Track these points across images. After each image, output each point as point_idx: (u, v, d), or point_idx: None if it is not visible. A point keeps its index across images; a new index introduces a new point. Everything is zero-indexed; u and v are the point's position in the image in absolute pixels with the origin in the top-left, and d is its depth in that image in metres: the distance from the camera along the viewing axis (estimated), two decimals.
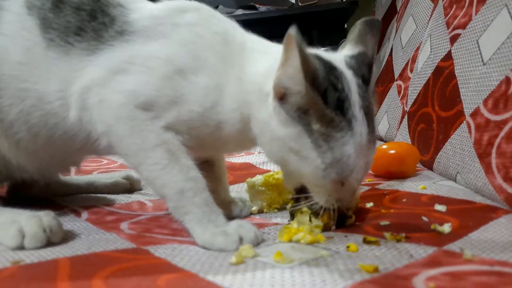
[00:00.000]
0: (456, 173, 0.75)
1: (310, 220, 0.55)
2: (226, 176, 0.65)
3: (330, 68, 0.47)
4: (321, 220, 0.53)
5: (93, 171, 0.97)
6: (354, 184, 0.49)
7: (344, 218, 0.53)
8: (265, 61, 0.52)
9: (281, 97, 0.47)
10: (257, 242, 0.49)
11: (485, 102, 0.69)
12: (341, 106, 0.46)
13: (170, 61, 0.51)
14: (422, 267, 0.39)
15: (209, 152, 0.60)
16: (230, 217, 0.58)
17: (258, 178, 0.67)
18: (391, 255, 0.43)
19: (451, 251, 0.43)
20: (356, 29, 0.54)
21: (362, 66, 0.50)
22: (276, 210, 0.65)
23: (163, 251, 0.46)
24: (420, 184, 0.73)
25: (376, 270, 0.38)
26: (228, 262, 0.42)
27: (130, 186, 0.78)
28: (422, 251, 0.43)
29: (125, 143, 0.51)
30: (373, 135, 0.49)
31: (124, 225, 0.57)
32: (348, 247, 0.45)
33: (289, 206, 0.58)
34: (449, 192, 0.67)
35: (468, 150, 0.71)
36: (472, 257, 0.40)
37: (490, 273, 0.36)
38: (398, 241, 0.47)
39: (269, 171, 0.74)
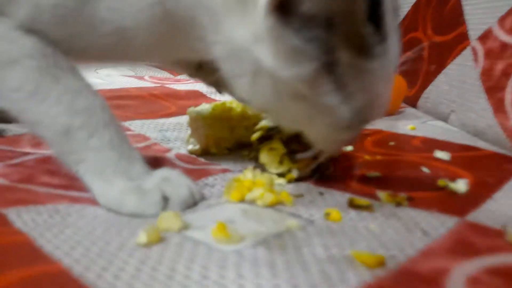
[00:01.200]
0: (450, 111, 0.61)
1: (280, 162, 0.39)
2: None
3: None
4: (298, 166, 0.38)
5: None
6: (365, 127, 0.35)
7: (323, 166, 0.38)
8: None
9: (281, 3, 0.27)
10: (193, 202, 0.32)
11: (501, 21, 0.53)
12: (374, 13, 0.28)
13: None
14: (448, 255, 0.24)
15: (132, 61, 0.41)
16: None
17: (204, 108, 0.48)
18: (394, 230, 0.28)
19: (481, 224, 0.29)
20: None
21: None
22: (226, 151, 0.48)
23: (31, 219, 0.28)
24: (407, 124, 0.59)
25: (380, 263, 0.23)
26: (133, 242, 0.25)
27: None
28: (438, 224, 0.28)
29: None
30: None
31: None
32: (327, 214, 0.30)
33: (254, 136, 0.41)
34: (444, 135, 0.53)
35: (471, 83, 0.56)
36: None
37: None
38: (398, 204, 0.32)
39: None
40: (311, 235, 0.27)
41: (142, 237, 0.25)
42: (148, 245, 0.25)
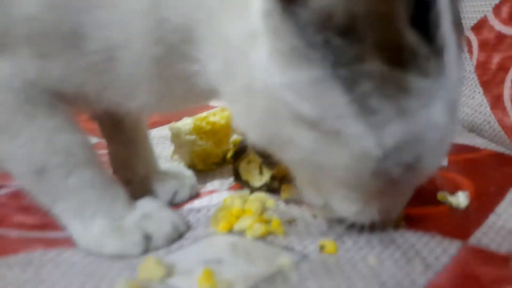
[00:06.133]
0: None
1: (261, 173, 0.38)
2: (147, 140, 0.40)
3: None
4: (277, 170, 0.37)
5: None
6: (424, 177, 0.27)
7: None
8: None
9: None
10: (179, 234, 0.30)
11: (496, 9, 0.50)
12: (426, 22, 0.22)
13: None
14: None
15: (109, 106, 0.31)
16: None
17: (186, 123, 0.46)
18: (393, 261, 0.26)
19: (485, 249, 0.27)
20: None
21: None
22: (214, 166, 0.46)
23: (1, 275, 0.26)
24: None
25: None
26: None
27: None
28: (440, 252, 0.26)
29: None
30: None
31: None
32: (322, 247, 0.28)
33: (229, 155, 0.40)
34: None
35: (466, 76, 0.54)
36: None
37: None
38: (397, 226, 0.30)
39: (211, 108, 0.51)
40: (305, 276, 0.25)
41: None
42: None
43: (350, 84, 0.22)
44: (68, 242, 0.30)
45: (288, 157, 0.26)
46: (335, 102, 0.22)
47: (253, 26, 0.23)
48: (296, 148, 0.25)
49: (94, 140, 0.38)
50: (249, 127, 0.27)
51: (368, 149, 0.23)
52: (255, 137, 0.27)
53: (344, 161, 0.24)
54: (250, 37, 0.23)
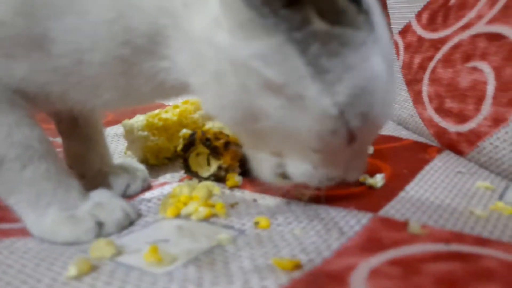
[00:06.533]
0: None
1: (208, 164, 0.41)
2: (102, 136, 0.42)
3: None
4: (223, 160, 0.40)
5: None
6: (373, 134, 0.30)
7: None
8: None
9: None
10: (129, 222, 0.33)
11: (418, 16, 0.57)
12: None
13: None
14: (358, 252, 0.27)
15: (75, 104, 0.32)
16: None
17: (139, 120, 0.48)
18: (315, 232, 0.30)
19: (390, 218, 0.32)
20: None
21: None
22: (166, 161, 0.49)
23: None
24: None
25: (297, 266, 0.26)
26: (65, 276, 0.26)
27: None
28: (354, 222, 0.32)
29: None
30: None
31: None
32: (257, 222, 0.32)
33: (179, 148, 0.42)
34: None
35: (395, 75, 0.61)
36: (420, 231, 0.30)
37: (448, 256, 0.27)
38: (317, 202, 0.35)
39: (165, 106, 0.53)
40: (240, 247, 0.29)
41: (72, 270, 0.26)
42: (79, 277, 0.26)
43: (303, 47, 0.24)
44: (22, 232, 0.32)
45: (258, 128, 0.28)
46: (294, 65, 0.25)
47: (214, 14, 0.26)
48: (266, 117, 0.27)
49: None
50: (222, 110, 0.29)
51: (326, 108, 0.25)
52: (227, 118, 0.29)
53: (307, 124, 0.26)
54: (213, 24, 0.26)
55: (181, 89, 0.31)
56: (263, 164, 0.32)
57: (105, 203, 0.33)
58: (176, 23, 0.28)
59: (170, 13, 0.28)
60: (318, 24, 0.25)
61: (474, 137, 0.43)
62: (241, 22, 0.25)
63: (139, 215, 0.35)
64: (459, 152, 0.45)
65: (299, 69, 0.25)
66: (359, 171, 0.32)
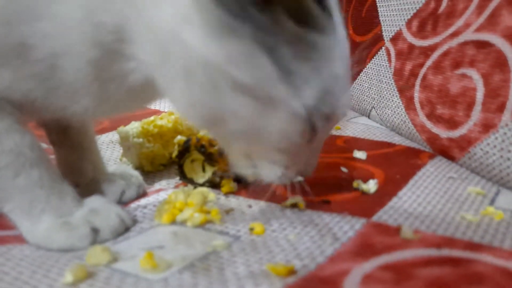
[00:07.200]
0: (371, 108, 0.67)
1: (203, 170, 0.42)
2: (94, 143, 0.42)
3: None
4: (218, 167, 0.40)
5: None
6: (328, 132, 0.31)
7: None
8: None
9: None
10: (125, 229, 0.33)
11: (408, 24, 0.59)
12: None
13: None
14: (351, 257, 0.28)
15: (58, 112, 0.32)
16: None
17: (134, 127, 0.48)
18: (309, 238, 0.31)
19: (383, 223, 0.33)
20: None
21: None
22: (162, 167, 0.49)
23: None
24: None
25: (291, 272, 0.26)
26: (61, 283, 0.26)
27: None
28: (348, 227, 0.32)
29: None
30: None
31: None
32: (251, 228, 0.32)
33: (173, 155, 0.42)
34: (366, 132, 0.58)
35: (386, 81, 0.62)
36: (412, 235, 0.30)
37: (440, 261, 0.27)
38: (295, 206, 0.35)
39: (160, 113, 0.53)
40: (235, 253, 0.29)
41: (68, 277, 0.26)
42: (75, 283, 0.26)
43: (271, 49, 0.24)
44: (18, 239, 0.32)
45: (228, 129, 0.28)
46: (263, 67, 0.25)
47: (182, 9, 0.25)
48: (236, 119, 0.27)
49: (42, 146, 0.40)
50: (191, 109, 0.28)
51: (295, 110, 0.26)
52: (196, 117, 0.29)
53: (277, 125, 0.27)
54: (181, 19, 0.25)
55: (154, 90, 0.30)
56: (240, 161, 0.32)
57: (100, 209, 0.33)
58: (140, 16, 0.27)
59: (134, 4, 0.27)
60: (287, 25, 0.25)
61: (465, 143, 0.44)
62: (209, 20, 0.24)
63: (135, 222, 0.35)
64: (451, 158, 0.46)
65: (268, 70, 0.25)
66: (314, 165, 0.33)
